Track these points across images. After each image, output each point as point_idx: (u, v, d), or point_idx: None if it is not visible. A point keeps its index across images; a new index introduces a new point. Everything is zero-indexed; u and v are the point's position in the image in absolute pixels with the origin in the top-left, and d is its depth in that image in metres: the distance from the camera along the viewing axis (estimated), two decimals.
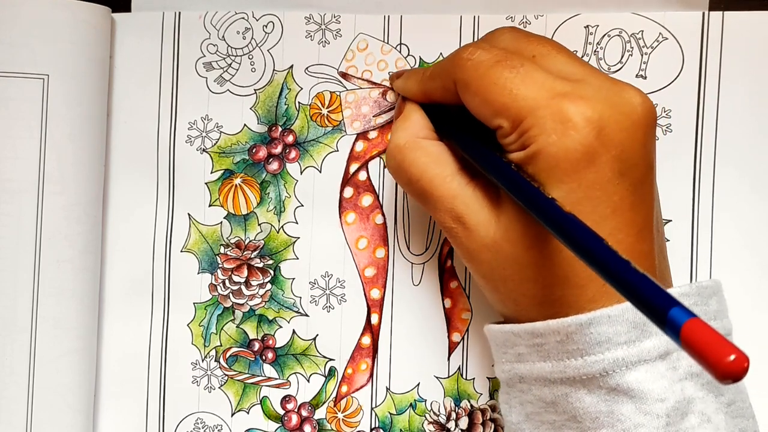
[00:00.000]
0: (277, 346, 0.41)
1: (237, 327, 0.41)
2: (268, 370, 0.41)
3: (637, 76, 0.39)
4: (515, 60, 0.31)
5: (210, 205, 0.41)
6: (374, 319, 0.40)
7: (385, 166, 0.40)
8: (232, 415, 0.41)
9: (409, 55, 0.40)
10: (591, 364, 0.29)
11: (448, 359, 0.40)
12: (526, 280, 0.31)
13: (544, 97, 0.30)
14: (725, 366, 0.20)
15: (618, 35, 0.39)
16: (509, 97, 0.30)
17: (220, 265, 0.41)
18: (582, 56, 0.39)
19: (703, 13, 0.39)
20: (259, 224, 0.41)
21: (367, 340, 0.41)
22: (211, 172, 0.41)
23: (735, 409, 0.31)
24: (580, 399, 0.30)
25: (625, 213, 0.30)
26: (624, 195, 0.30)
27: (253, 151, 0.41)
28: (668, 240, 0.39)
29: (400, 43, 0.40)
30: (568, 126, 0.29)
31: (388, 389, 0.40)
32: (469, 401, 0.40)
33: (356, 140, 0.41)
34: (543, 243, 0.30)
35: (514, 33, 0.34)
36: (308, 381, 0.41)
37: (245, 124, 0.41)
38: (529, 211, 0.29)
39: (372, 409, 0.40)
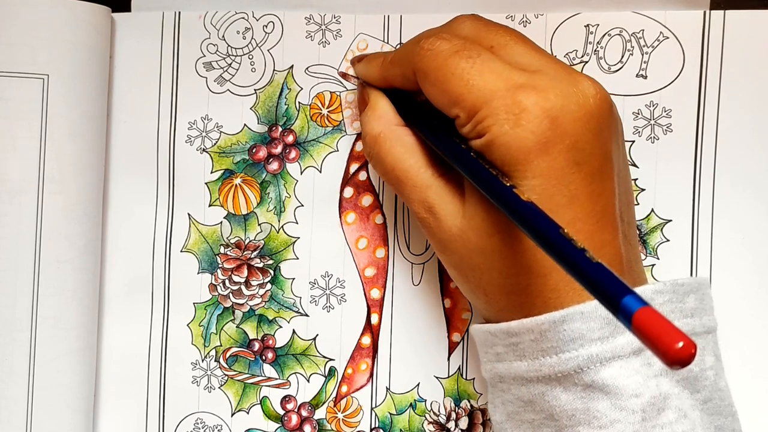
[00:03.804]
0: (277, 346, 0.41)
1: (237, 327, 0.41)
2: (268, 370, 0.41)
3: (637, 75, 0.39)
4: (473, 50, 0.32)
5: (210, 205, 0.41)
6: (374, 319, 0.40)
7: None
8: (232, 415, 0.41)
9: None
10: (565, 362, 0.30)
11: (448, 359, 0.40)
12: (491, 269, 0.31)
13: (500, 88, 0.30)
14: (674, 352, 0.21)
15: (618, 34, 0.39)
16: (465, 88, 0.31)
17: (220, 265, 0.41)
18: (582, 56, 0.39)
19: (704, 12, 0.39)
20: (259, 224, 0.41)
21: (367, 340, 0.40)
22: (211, 172, 0.41)
23: (712, 406, 0.31)
24: (556, 397, 0.30)
25: (584, 203, 0.30)
26: (580, 185, 0.30)
27: (253, 151, 0.41)
28: (668, 240, 0.39)
29: (400, 43, 0.40)
30: (521, 116, 0.30)
31: (388, 389, 0.40)
32: (469, 401, 0.40)
33: (356, 140, 0.40)
34: (506, 231, 0.31)
35: (474, 21, 0.35)
36: (308, 381, 0.41)
37: (245, 124, 0.41)
38: (489, 197, 0.29)
39: (372, 409, 0.40)
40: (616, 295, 0.23)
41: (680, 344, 0.21)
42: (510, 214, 0.28)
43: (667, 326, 0.21)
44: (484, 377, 0.34)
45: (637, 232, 0.38)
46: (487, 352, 0.33)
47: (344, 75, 0.40)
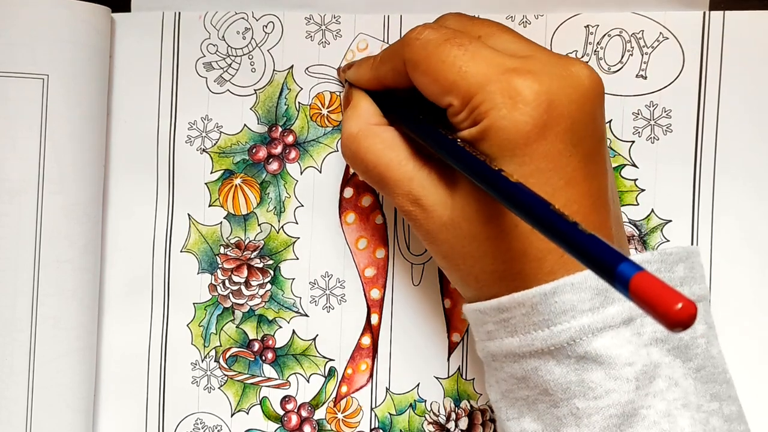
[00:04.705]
0: (276, 346, 0.41)
1: (237, 327, 0.41)
2: (268, 371, 0.41)
3: (637, 76, 0.39)
4: (463, 38, 0.32)
5: (210, 205, 0.41)
6: (374, 319, 0.40)
7: None
8: (232, 415, 0.41)
9: None
10: (558, 334, 0.30)
11: (448, 359, 0.40)
12: (484, 255, 0.31)
13: (493, 72, 0.30)
14: (674, 314, 0.21)
15: (618, 35, 0.39)
16: (458, 75, 0.31)
17: (219, 266, 0.41)
18: (582, 56, 0.39)
19: (704, 13, 0.39)
20: (259, 224, 0.41)
21: (367, 341, 0.41)
22: (211, 172, 0.41)
23: (705, 374, 0.31)
24: (550, 371, 0.30)
25: (579, 184, 0.30)
26: (576, 167, 0.30)
27: (253, 151, 0.41)
28: (668, 240, 0.39)
29: None
30: (518, 100, 0.30)
31: (388, 389, 0.40)
32: (468, 401, 0.40)
33: None
34: (499, 218, 0.31)
35: (459, 16, 0.35)
36: (308, 381, 0.41)
37: (245, 125, 0.41)
38: (479, 183, 0.29)
39: (372, 409, 0.40)
40: (611, 264, 0.23)
41: (679, 305, 0.21)
42: (500, 196, 0.28)
43: (665, 289, 0.21)
44: (480, 357, 0.34)
45: (623, 217, 0.38)
46: (478, 331, 0.33)
47: None
